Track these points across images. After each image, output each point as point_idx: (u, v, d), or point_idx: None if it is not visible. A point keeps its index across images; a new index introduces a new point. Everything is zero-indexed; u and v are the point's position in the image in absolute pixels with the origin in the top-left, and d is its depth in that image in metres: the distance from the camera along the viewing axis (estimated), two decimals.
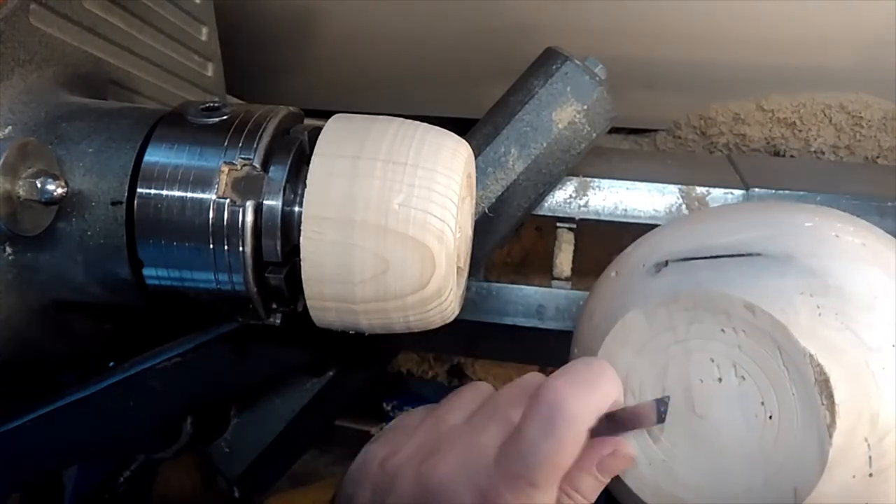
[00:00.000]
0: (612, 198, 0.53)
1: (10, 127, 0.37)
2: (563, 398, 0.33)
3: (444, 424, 0.39)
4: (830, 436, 0.34)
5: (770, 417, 0.35)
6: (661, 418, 0.36)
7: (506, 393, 0.38)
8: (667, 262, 0.40)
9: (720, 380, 0.36)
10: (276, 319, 0.39)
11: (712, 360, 0.37)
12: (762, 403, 0.35)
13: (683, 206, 0.52)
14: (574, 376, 0.35)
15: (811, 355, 0.34)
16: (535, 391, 0.34)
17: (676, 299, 0.37)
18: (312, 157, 0.35)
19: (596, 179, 0.53)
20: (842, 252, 0.37)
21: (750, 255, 0.38)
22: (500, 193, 0.49)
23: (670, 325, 0.38)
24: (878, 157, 0.69)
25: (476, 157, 0.47)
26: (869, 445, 0.34)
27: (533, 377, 0.38)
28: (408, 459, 0.37)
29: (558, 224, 0.54)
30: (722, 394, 0.36)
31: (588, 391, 0.34)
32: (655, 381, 0.38)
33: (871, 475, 0.34)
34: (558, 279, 0.54)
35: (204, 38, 0.60)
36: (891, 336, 0.35)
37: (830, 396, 0.34)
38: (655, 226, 0.52)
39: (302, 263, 0.34)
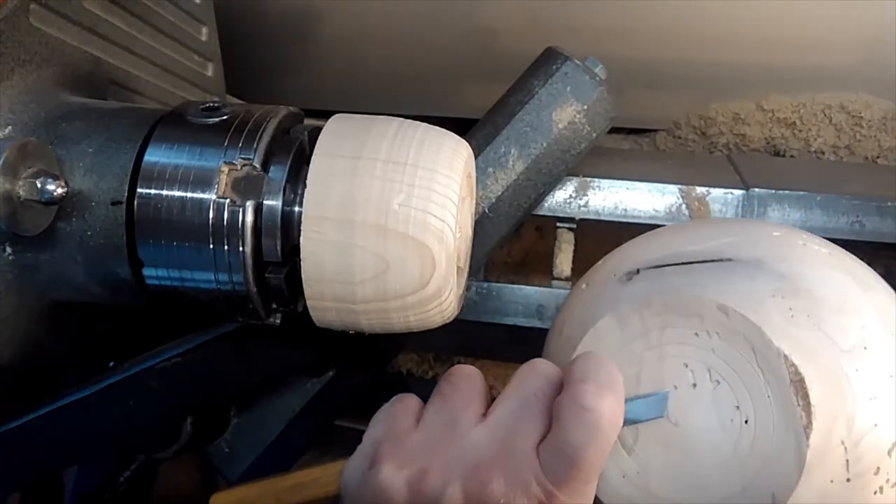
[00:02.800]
0: (612, 198, 0.53)
1: (10, 127, 0.37)
2: (602, 403, 0.33)
3: (462, 427, 0.36)
4: (807, 437, 0.33)
5: (746, 421, 0.35)
6: (662, 412, 0.36)
7: (531, 386, 0.36)
8: (638, 271, 0.40)
9: (694, 385, 0.36)
10: (276, 319, 0.39)
11: (686, 365, 0.36)
12: (737, 407, 0.35)
13: (683, 206, 0.52)
14: (599, 378, 0.34)
15: (785, 355, 0.34)
16: (569, 395, 0.34)
17: (649, 304, 0.37)
18: (312, 157, 0.35)
19: (596, 179, 0.53)
20: (810, 258, 0.37)
21: (720, 260, 0.38)
22: (500, 193, 0.49)
23: (643, 330, 0.37)
24: (878, 157, 0.69)
25: (476, 157, 0.47)
26: (846, 448, 0.33)
27: (545, 366, 0.37)
28: (447, 478, 0.34)
29: (558, 224, 0.54)
30: (697, 399, 0.36)
31: (616, 390, 0.34)
32: (629, 389, 0.37)
33: (848, 480, 0.33)
34: (558, 279, 0.54)
35: (204, 38, 0.60)
36: (862, 339, 0.35)
37: (806, 397, 0.33)
38: (656, 226, 0.52)
39: (302, 263, 0.34)
